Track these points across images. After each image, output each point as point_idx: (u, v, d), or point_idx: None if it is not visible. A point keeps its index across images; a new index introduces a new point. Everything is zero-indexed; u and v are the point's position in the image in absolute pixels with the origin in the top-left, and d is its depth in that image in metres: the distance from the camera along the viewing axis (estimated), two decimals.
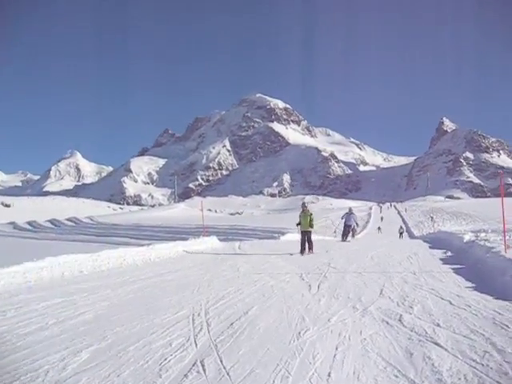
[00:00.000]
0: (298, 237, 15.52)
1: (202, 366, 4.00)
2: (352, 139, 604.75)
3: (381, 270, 9.62)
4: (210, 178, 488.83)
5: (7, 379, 3.76)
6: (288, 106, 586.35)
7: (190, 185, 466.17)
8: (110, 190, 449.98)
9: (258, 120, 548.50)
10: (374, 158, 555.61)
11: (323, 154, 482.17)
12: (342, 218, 22.45)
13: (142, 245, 16.04)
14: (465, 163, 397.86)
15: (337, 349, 4.36)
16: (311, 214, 14.95)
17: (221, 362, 4.09)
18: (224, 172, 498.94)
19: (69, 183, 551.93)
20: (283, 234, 27.96)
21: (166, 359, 4.19)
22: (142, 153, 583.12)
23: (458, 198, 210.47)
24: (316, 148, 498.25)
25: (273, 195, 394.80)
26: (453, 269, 9.39)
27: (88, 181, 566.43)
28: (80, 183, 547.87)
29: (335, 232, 40.53)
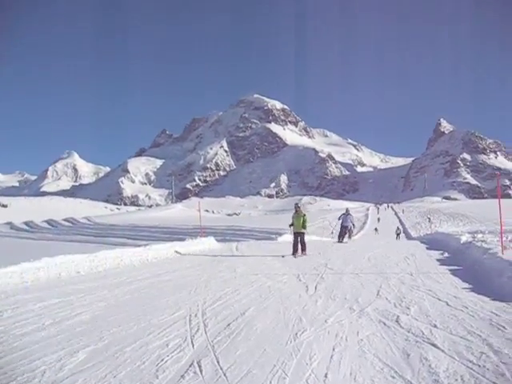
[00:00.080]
0: (291, 238, 15.15)
1: (199, 366, 4.00)
2: (349, 140, 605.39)
3: (378, 271, 9.62)
4: (208, 179, 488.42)
5: (4, 380, 3.75)
6: (285, 106, 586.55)
7: (188, 185, 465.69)
8: (107, 190, 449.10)
9: (255, 121, 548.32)
10: (371, 159, 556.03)
11: (321, 154, 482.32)
12: (339, 219, 22.22)
13: (139, 245, 16.01)
14: (462, 164, 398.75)
15: (334, 350, 4.36)
16: (304, 215, 14.55)
17: (218, 362, 4.09)
18: (221, 173, 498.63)
19: (66, 183, 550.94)
20: (280, 234, 27.99)
21: (162, 360, 4.19)
22: (140, 153, 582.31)
23: (455, 199, 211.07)
24: (313, 149, 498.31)
25: (270, 196, 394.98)
26: (450, 270, 9.41)
27: (85, 181, 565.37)
28: (77, 183, 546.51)
29: (332, 233, 40.43)
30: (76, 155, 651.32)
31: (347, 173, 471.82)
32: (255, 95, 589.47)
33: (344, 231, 21.33)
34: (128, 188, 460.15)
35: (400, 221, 61.31)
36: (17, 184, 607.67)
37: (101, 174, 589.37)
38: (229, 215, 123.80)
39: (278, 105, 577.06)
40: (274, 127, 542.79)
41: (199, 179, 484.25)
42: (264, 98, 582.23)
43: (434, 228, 44.02)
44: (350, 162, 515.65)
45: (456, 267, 9.81)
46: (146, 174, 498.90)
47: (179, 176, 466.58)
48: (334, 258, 12.91)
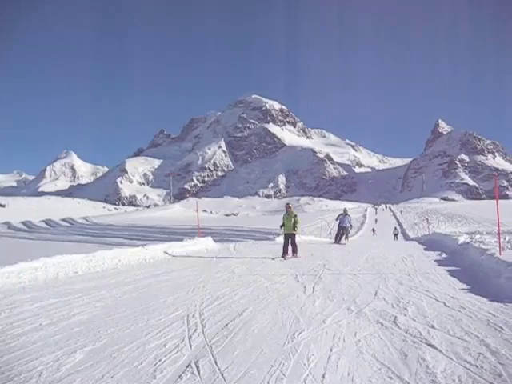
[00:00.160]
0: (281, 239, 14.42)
1: (197, 367, 3.99)
2: (347, 141, 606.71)
3: (375, 272, 9.63)
4: (206, 179, 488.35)
5: (1, 380, 3.74)
6: (284, 107, 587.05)
7: (186, 185, 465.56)
8: (105, 190, 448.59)
9: (253, 121, 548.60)
10: (369, 160, 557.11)
11: (319, 155, 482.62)
12: (337, 220, 22.00)
13: (137, 245, 15.99)
14: (460, 165, 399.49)
15: (331, 350, 4.36)
16: (295, 216, 14.02)
17: (215, 363, 4.08)
18: (219, 173, 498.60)
19: (64, 183, 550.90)
20: (278, 235, 27.89)
21: (160, 360, 4.18)
22: (138, 153, 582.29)
23: (453, 200, 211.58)
24: (311, 149, 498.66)
25: (268, 196, 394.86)
26: (447, 270, 9.42)
27: (83, 181, 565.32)
28: (75, 183, 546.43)
29: (330, 233, 40.54)
30: (74, 155, 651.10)
31: (345, 173, 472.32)
32: (253, 95, 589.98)
33: (342, 232, 21.17)
34: (126, 188, 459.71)
35: (398, 221, 61.43)
36: (15, 184, 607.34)
37: (99, 174, 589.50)
38: (227, 215, 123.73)
39: (277, 105, 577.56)
40: (272, 127, 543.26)
41: (197, 179, 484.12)
42: (262, 98, 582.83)
43: (432, 229, 44.07)
44: (348, 162, 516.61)
45: (454, 268, 9.82)
46: (144, 174, 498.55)
47: (177, 176, 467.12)
48: (331, 258, 12.91)
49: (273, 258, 13.08)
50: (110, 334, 5.05)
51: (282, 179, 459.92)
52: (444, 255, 12.94)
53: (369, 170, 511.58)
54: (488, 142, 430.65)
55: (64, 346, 4.66)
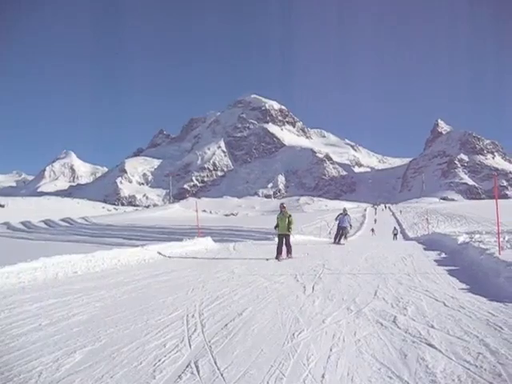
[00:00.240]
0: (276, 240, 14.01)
1: (196, 367, 3.98)
2: (347, 141, 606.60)
3: (375, 272, 9.63)
4: (205, 179, 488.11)
5: (1, 380, 3.74)
6: (283, 107, 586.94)
7: (185, 185, 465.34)
8: (104, 190, 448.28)
9: (253, 121, 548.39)
10: (368, 160, 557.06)
11: (318, 155, 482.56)
12: (336, 220, 21.87)
13: (137, 245, 16.00)
14: (459, 165, 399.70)
15: (331, 350, 4.35)
16: (290, 216, 13.71)
17: (215, 363, 4.08)
18: (219, 173, 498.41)
19: (63, 184, 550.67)
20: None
21: (159, 360, 4.17)
22: (137, 153, 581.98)
23: (453, 200, 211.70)
24: (311, 149, 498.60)
25: (268, 196, 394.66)
26: (447, 270, 9.42)
27: (83, 181, 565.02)
28: (75, 184, 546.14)
29: (330, 233, 40.52)
30: (73, 155, 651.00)
31: (345, 173, 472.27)
32: (253, 95, 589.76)
33: (341, 232, 21.07)
34: (125, 188, 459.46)
35: (397, 221, 61.42)
36: (14, 184, 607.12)
37: (98, 174, 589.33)
38: (226, 215, 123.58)
39: (276, 105, 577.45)
40: (272, 127, 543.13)
41: (197, 179, 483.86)
42: (262, 98, 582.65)
43: (432, 228, 44.08)
44: (348, 162, 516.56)
45: (453, 268, 9.82)
46: (144, 175, 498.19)
47: (177, 176, 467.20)
48: (331, 258, 12.91)
49: (267, 259, 12.80)
50: (110, 335, 5.04)
51: (281, 179, 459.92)
52: (443, 255, 12.93)
53: (368, 169, 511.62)
54: (487, 141, 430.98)
55: (63, 346, 4.66)
